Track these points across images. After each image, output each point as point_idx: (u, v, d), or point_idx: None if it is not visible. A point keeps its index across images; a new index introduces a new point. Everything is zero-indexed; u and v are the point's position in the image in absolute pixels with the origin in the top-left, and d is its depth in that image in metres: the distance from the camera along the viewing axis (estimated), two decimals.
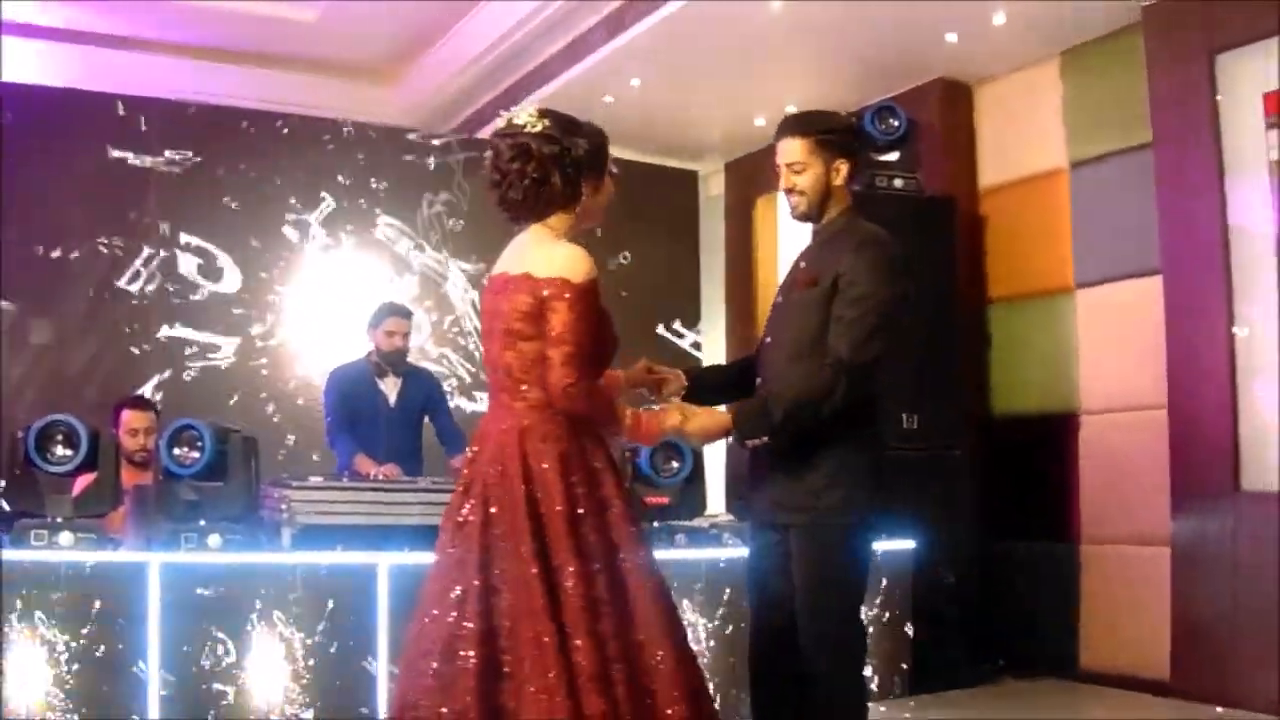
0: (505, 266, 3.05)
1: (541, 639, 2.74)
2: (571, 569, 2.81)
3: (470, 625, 2.80)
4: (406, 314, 5.99)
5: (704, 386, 3.44)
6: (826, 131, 3.28)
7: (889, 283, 3.18)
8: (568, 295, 2.90)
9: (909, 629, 5.61)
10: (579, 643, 2.75)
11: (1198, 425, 5.59)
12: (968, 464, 6.21)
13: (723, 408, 3.27)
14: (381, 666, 4.52)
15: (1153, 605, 5.75)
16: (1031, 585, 6.56)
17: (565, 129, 3.03)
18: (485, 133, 8.29)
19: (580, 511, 2.88)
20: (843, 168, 3.29)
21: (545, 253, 2.98)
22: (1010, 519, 6.64)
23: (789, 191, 3.33)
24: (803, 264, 3.33)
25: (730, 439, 3.25)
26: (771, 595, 3.28)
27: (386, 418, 5.78)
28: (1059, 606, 6.37)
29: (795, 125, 3.31)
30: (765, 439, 3.16)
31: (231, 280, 7.01)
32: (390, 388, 5.83)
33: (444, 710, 2.75)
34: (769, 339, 3.37)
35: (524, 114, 3.04)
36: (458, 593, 2.85)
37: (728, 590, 5.10)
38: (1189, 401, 5.64)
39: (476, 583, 2.83)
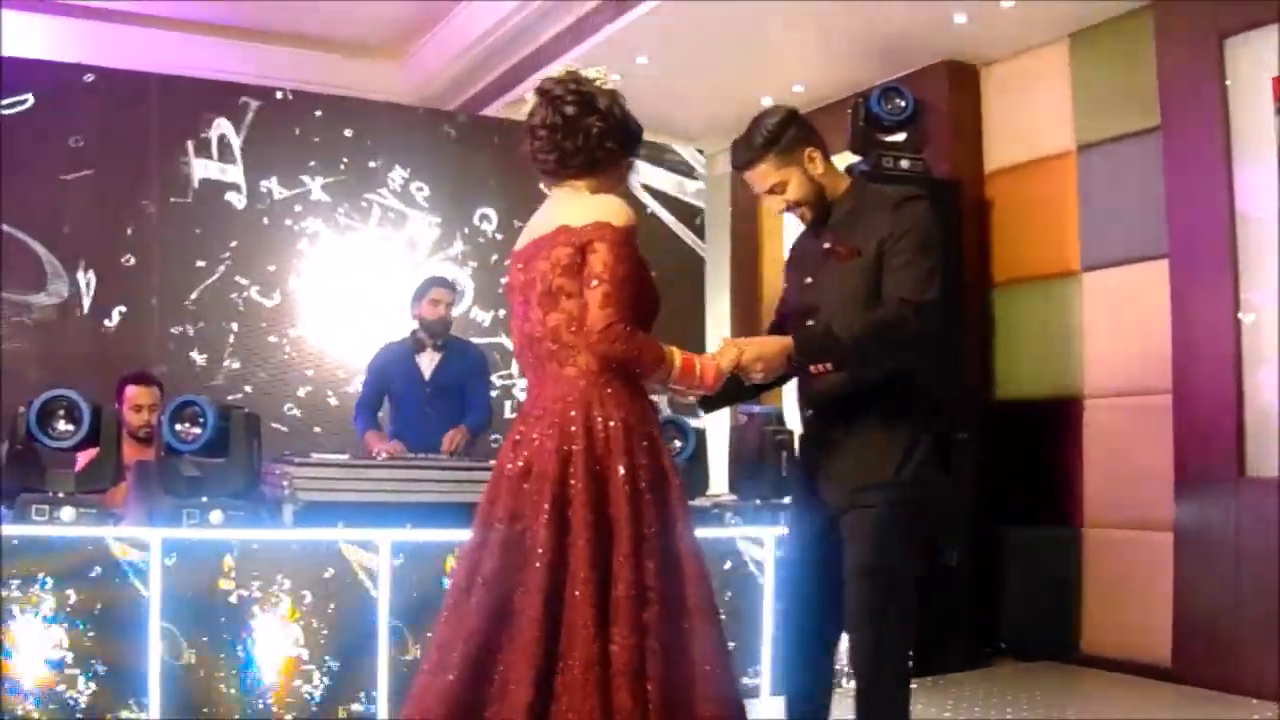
0: (534, 233, 2.89)
1: (579, 625, 2.59)
2: (624, 552, 2.64)
3: (534, 628, 2.61)
4: (451, 285, 5.99)
5: (725, 387, 3.15)
6: (775, 140, 3.17)
7: (935, 230, 3.18)
8: (608, 236, 2.74)
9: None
10: (616, 632, 2.59)
11: (1202, 411, 5.58)
12: (971, 447, 6.18)
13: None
14: (382, 644, 4.52)
15: (1155, 591, 5.75)
16: (1034, 569, 6.56)
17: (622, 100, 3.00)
18: (491, 110, 8.27)
19: (642, 485, 2.71)
20: (815, 155, 3.20)
21: (579, 204, 2.85)
22: (1014, 503, 6.63)
23: (788, 209, 3.25)
24: (826, 244, 3.21)
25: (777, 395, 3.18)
26: (816, 586, 3.21)
27: (421, 394, 5.72)
28: (1061, 591, 6.37)
29: (748, 154, 3.20)
30: (829, 366, 3.03)
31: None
32: (428, 363, 5.76)
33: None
34: (809, 321, 3.20)
35: (593, 70, 2.99)
36: (518, 586, 2.66)
37: (727, 570, 5.09)
38: (1194, 387, 5.63)
39: (543, 578, 2.63)
